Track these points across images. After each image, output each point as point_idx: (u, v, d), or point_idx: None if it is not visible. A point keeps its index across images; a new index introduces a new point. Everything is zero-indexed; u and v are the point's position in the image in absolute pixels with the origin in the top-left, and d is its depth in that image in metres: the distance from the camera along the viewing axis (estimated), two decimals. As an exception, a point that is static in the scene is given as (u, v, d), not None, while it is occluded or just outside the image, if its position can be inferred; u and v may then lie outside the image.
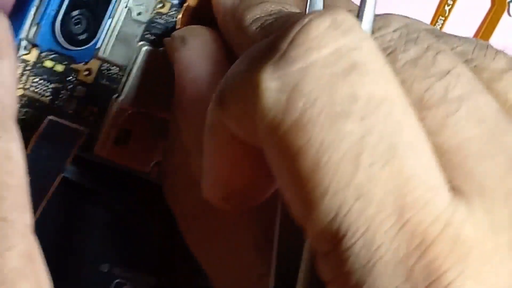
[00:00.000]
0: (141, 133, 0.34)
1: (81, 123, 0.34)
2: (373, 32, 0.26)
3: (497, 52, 0.27)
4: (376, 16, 0.27)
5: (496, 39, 0.44)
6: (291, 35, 0.24)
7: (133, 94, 0.34)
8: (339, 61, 0.24)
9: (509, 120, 0.25)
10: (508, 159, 0.24)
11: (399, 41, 0.26)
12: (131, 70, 0.34)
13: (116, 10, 0.33)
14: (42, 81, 0.33)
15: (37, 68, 0.33)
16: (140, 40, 0.34)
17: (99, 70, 0.34)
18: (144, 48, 0.34)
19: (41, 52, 0.33)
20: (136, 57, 0.34)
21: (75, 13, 0.32)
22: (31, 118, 0.33)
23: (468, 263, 0.22)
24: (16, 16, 0.32)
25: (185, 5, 0.35)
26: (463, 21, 0.44)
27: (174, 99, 0.33)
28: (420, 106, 0.24)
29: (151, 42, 0.34)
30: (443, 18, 0.43)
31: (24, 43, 0.32)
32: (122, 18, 0.34)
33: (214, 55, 0.33)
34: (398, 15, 0.28)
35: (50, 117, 0.33)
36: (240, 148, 0.26)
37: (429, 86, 0.25)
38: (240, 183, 0.27)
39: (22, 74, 0.33)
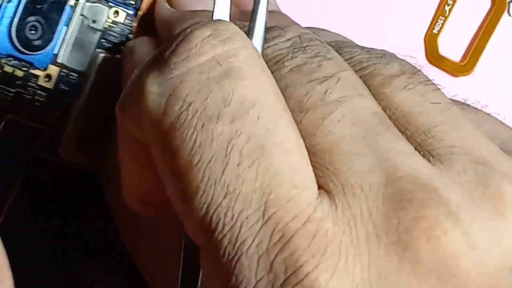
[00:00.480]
0: (102, 137, 0.35)
1: (43, 125, 0.35)
2: (267, 41, 0.28)
3: (395, 59, 0.28)
4: (274, 27, 0.28)
5: (496, 39, 0.44)
6: (175, 43, 0.26)
7: (93, 99, 0.35)
8: (215, 67, 0.25)
9: (386, 122, 0.26)
10: (375, 157, 0.25)
11: (289, 49, 0.27)
12: (89, 76, 0.35)
13: (71, 18, 0.34)
14: (3, 86, 0.34)
15: None
16: (97, 47, 0.35)
17: (59, 76, 0.35)
18: (101, 55, 0.35)
19: (1, 58, 0.34)
20: (94, 64, 0.35)
21: (30, 19, 0.33)
22: None
23: (325, 257, 0.23)
24: None
25: (139, 13, 0.36)
26: (463, 21, 0.44)
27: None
28: (299, 109, 0.26)
29: (107, 50, 0.35)
30: (443, 18, 0.43)
31: None
32: (77, 25, 0.35)
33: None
34: (298, 26, 0.29)
35: (9, 116, 0.34)
36: (141, 151, 0.27)
37: (309, 90, 0.26)
38: (150, 186, 0.28)
39: None
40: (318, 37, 0.28)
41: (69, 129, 0.35)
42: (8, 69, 0.34)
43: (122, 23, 0.35)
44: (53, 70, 0.35)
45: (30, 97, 0.35)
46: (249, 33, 0.27)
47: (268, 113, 0.25)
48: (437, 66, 0.43)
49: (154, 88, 0.26)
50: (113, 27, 0.35)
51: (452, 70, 0.43)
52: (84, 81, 0.35)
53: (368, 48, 0.29)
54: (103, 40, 0.35)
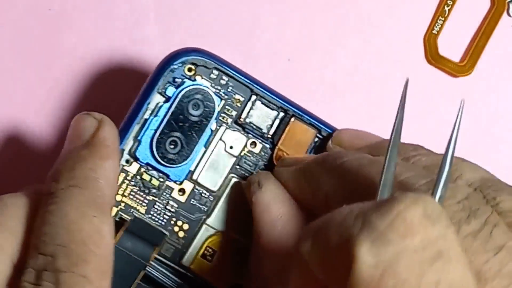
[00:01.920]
0: (224, 255, 0.38)
1: (170, 234, 0.38)
2: (439, 199, 0.31)
3: None
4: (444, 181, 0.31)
5: (496, 39, 0.44)
6: (390, 217, 0.28)
7: (220, 218, 0.38)
8: (427, 248, 0.28)
9: None
10: None
11: (463, 213, 0.31)
12: (220, 197, 0.38)
13: (210, 141, 0.38)
14: (140, 191, 0.38)
15: (136, 180, 0.37)
16: (230, 172, 0.38)
17: (192, 192, 0.38)
18: (233, 180, 0.38)
19: (140, 166, 0.37)
20: (226, 186, 0.38)
21: (171, 134, 0.37)
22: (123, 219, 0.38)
23: None
24: (122, 131, 0.37)
25: (277, 147, 0.38)
26: (463, 21, 0.44)
27: (254, 234, 0.37)
28: (479, 278, 0.29)
29: (239, 176, 0.38)
30: (443, 18, 0.43)
31: (126, 156, 0.37)
32: (216, 148, 0.38)
33: (287, 198, 0.37)
34: (461, 181, 0.32)
35: (136, 214, 0.37)
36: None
37: (487, 260, 0.29)
38: None
39: (122, 182, 0.37)
40: (479, 193, 0.31)
41: (197, 242, 0.38)
42: (146, 176, 0.37)
43: (258, 154, 0.38)
44: (188, 185, 0.38)
45: (162, 206, 0.38)
46: (434, 188, 0.30)
47: None
48: (437, 66, 0.43)
49: (368, 259, 0.28)
50: (249, 156, 0.38)
51: (452, 70, 0.43)
52: (215, 200, 0.38)
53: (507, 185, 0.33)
54: (237, 167, 0.38)
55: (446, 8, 0.43)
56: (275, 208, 0.37)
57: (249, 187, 0.37)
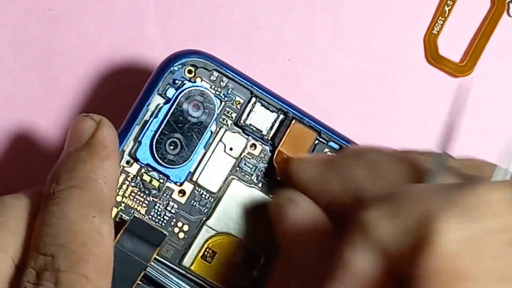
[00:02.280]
0: (224, 256, 0.38)
1: (170, 235, 0.38)
2: None
3: None
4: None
5: (496, 39, 0.44)
6: (474, 196, 0.29)
7: (220, 220, 0.38)
8: (509, 231, 0.29)
9: None
10: None
11: None
12: (220, 198, 0.38)
13: (210, 142, 0.38)
14: (140, 192, 0.38)
15: (136, 181, 0.37)
16: (230, 173, 0.38)
17: (192, 193, 0.38)
18: (233, 181, 0.38)
19: (141, 167, 0.37)
20: (226, 188, 0.38)
21: (171, 135, 0.37)
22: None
23: None
24: (122, 132, 0.37)
25: (278, 149, 0.38)
26: (463, 21, 0.44)
27: (281, 249, 0.36)
28: None
29: (239, 177, 0.38)
30: (443, 18, 0.43)
31: (126, 157, 0.37)
32: (216, 150, 0.38)
33: (320, 216, 0.36)
34: None
35: (136, 215, 0.37)
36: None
37: None
38: None
39: (123, 183, 0.37)
40: None
41: (197, 244, 0.38)
42: (146, 177, 0.38)
43: (258, 156, 0.38)
44: (188, 186, 0.38)
45: (162, 207, 0.38)
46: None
47: None
48: (436, 67, 0.43)
49: (451, 233, 0.28)
50: (249, 158, 0.38)
51: (452, 70, 0.43)
52: (215, 201, 0.38)
53: None
54: (237, 168, 0.38)
55: (446, 8, 0.43)
56: (309, 223, 0.36)
57: (277, 202, 0.37)
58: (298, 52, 0.43)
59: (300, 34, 0.43)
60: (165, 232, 0.37)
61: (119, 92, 0.42)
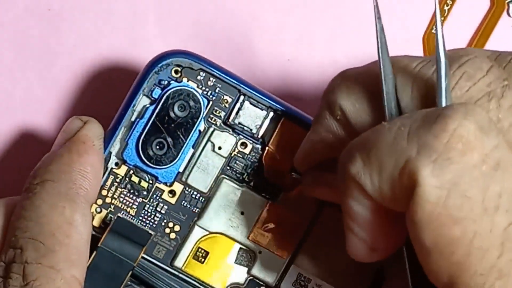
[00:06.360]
0: (217, 256, 0.37)
1: (161, 236, 0.38)
2: (469, 79, 0.32)
3: None
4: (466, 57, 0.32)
5: (495, 39, 0.44)
6: (446, 136, 0.29)
7: (212, 219, 0.38)
8: (486, 161, 0.28)
9: None
10: None
11: (495, 85, 0.31)
12: (211, 198, 0.38)
13: (199, 142, 0.37)
14: (129, 194, 0.37)
15: (125, 182, 0.37)
16: (221, 172, 0.38)
17: (182, 193, 0.38)
18: (224, 181, 0.38)
19: (129, 168, 0.37)
20: (216, 187, 0.38)
21: (157, 136, 0.37)
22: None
23: None
24: (109, 133, 0.37)
25: (268, 148, 0.38)
26: (462, 21, 0.44)
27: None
28: None
29: (230, 176, 0.38)
30: (443, 18, 0.44)
31: (114, 159, 0.37)
32: (205, 149, 0.38)
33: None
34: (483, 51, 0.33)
35: (120, 215, 0.37)
36: (378, 210, 0.31)
37: None
38: (382, 237, 0.32)
39: (112, 185, 0.37)
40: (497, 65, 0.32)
41: (189, 243, 0.38)
42: (134, 179, 0.38)
43: (248, 154, 0.38)
44: (177, 187, 0.38)
45: (152, 208, 0.38)
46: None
47: None
48: (436, 66, 0.43)
49: (432, 180, 0.28)
50: (239, 156, 0.38)
51: (451, 70, 0.43)
52: (206, 201, 0.38)
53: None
54: (228, 167, 0.38)
55: (446, 8, 0.43)
56: None
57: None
58: (298, 52, 0.43)
59: (300, 34, 0.43)
60: (150, 231, 0.37)
61: (119, 92, 0.42)
